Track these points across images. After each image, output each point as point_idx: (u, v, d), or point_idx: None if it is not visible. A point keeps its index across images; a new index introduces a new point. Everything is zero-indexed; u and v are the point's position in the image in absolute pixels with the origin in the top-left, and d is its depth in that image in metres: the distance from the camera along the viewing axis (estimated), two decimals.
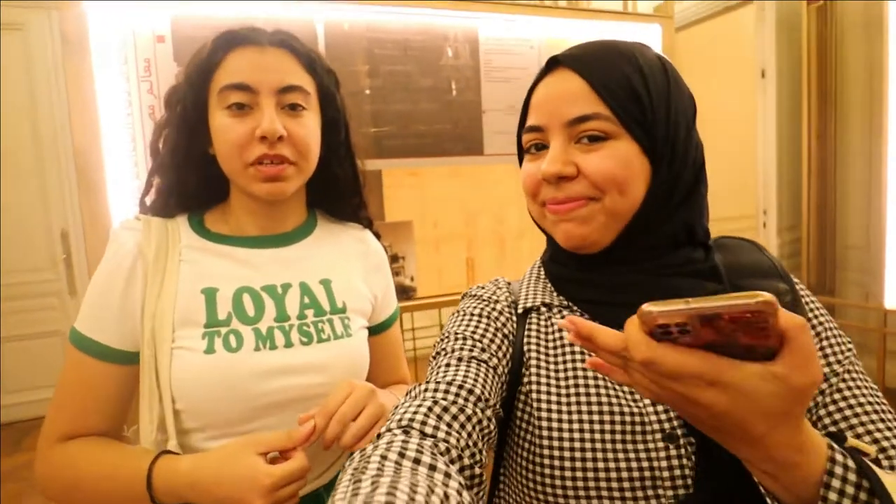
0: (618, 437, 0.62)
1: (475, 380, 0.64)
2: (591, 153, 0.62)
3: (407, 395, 0.64)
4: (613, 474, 0.60)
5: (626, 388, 0.65)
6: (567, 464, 0.62)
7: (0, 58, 3.29)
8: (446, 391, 0.61)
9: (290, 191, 0.88)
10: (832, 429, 0.60)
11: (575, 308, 0.72)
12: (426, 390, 0.62)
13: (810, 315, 0.68)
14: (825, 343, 0.66)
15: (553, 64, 0.67)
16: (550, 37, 2.14)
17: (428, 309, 2.09)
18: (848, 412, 0.61)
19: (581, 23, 2.17)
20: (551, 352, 0.71)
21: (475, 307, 0.75)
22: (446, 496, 0.46)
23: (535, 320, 0.74)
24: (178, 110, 0.88)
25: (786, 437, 0.42)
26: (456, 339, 0.71)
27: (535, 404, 0.67)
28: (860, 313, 3.23)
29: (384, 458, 0.50)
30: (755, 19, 3.44)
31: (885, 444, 0.58)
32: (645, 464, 0.60)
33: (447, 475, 0.49)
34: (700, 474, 0.59)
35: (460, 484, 0.49)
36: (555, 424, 0.64)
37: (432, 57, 1.98)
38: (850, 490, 0.43)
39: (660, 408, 0.63)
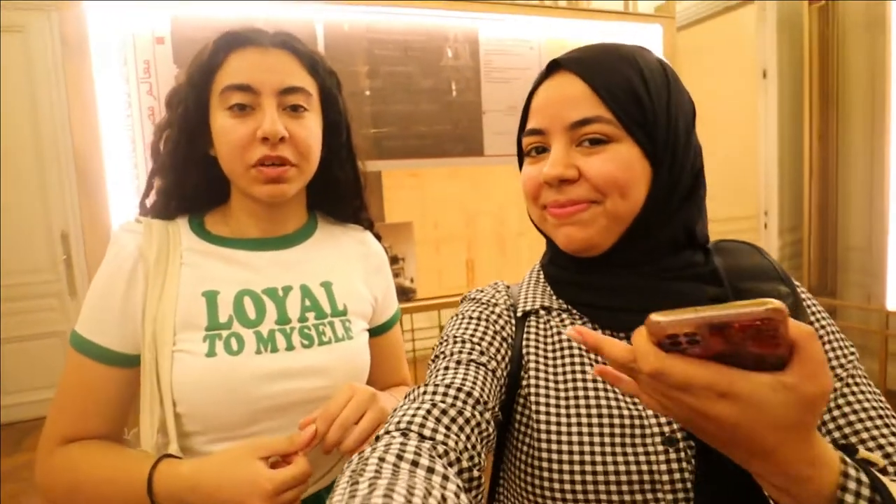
0: (617, 440, 0.62)
1: (474, 383, 0.63)
2: (592, 156, 0.62)
3: (406, 397, 0.64)
4: (612, 478, 0.60)
5: None
6: (566, 467, 0.62)
7: (0, 59, 3.29)
8: (445, 394, 0.61)
9: (291, 192, 0.88)
10: (836, 434, 0.60)
11: (574, 311, 0.72)
12: (425, 393, 0.62)
13: (812, 318, 0.68)
14: (828, 348, 0.66)
15: (554, 67, 0.67)
16: (551, 37, 2.13)
17: (428, 310, 2.09)
18: (853, 417, 0.60)
19: (582, 23, 2.17)
20: (550, 355, 0.71)
21: (474, 310, 0.75)
22: (444, 498, 0.46)
23: (534, 323, 0.74)
24: (179, 111, 0.87)
25: (798, 450, 0.42)
26: (455, 342, 0.70)
27: (533, 407, 0.67)
28: (862, 315, 3.22)
29: (382, 460, 0.49)
30: (756, 19, 3.44)
31: (889, 450, 0.57)
32: (644, 467, 0.60)
33: (445, 477, 0.49)
34: (700, 478, 0.59)
35: (458, 486, 0.49)
36: (553, 427, 0.64)
37: (432, 58, 1.97)
38: None
39: None
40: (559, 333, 0.71)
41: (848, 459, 0.45)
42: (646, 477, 0.60)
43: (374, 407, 0.80)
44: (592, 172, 0.62)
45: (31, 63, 3.37)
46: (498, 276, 2.11)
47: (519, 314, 0.75)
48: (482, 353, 0.69)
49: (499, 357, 0.70)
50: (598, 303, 0.68)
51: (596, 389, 0.65)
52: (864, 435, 0.59)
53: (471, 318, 0.74)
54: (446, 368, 0.66)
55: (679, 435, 0.61)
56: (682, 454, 0.60)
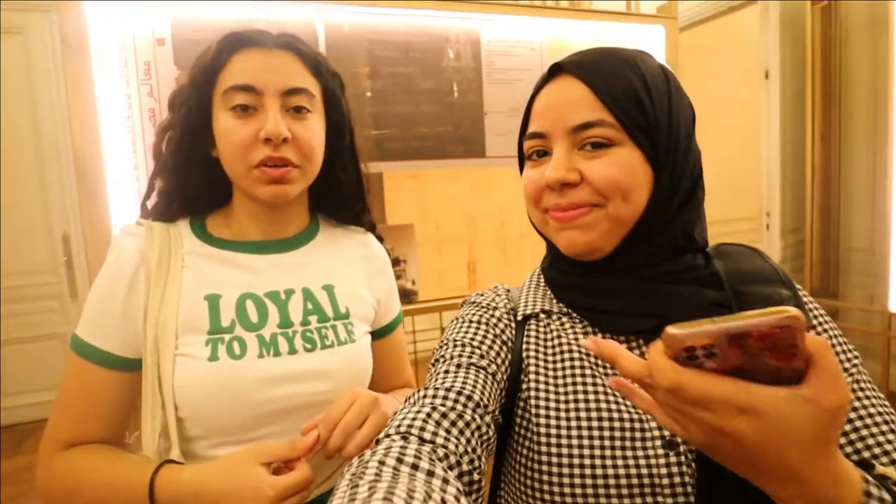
0: (617, 443, 0.62)
1: (474, 386, 0.64)
2: (594, 160, 0.63)
3: (406, 401, 0.64)
4: (612, 481, 0.60)
5: None
6: (565, 470, 0.62)
7: (0, 61, 3.29)
8: (445, 397, 0.61)
9: (294, 194, 0.88)
10: (842, 440, 0.59)
11: (575, 315, 0.72)
12: (425, 396, 0.62)
13: (814, 322, 0.68)
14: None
15: (556, 70, 0.67)
16: (553, 38, 2.12)
17: (429, 312, 2.08)
18: (859, 423, 0.60)
19: (584, 24, 2.16)
20: (550, 358, 0.70)
21: (474, 314, 0.76)
22: (444, 502, 0.46)
23: (534, 327, 0.74)
24: (181, 112, 0.87)
25: (821, 468, 0.41)
26: (455, 345, 0.71)
27: (533, 410, 0.67)
28: (864, 316, 3.22)
29: (382, 463, 0.50)
30: (759, 19, 3.43)
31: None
32: (644, 470, 0.60)
33: (445, 481, 0.49)
34: (700, 482, 0.59)
35: (458, 490, 0.49)
36: (553, 431, 0.64)
37: (434, 59, 1.96)
38: None
39: None
40: (559, 337, 0.71)
41: (870, 478, 0.44)
42: (646, 480, 0.59)
43: (377, 412, 0.79)
44: (595, 176, 0.62)
45: (31, 64, 3.36)
46: (499, 277, 2.11)
47: (519, 318, 0.75)
48: (482, 356, 0.69)
49: (499, 361, 0.70)
50: (599, 306, 0.68)
51: (596, 393, 0.65)
52: (871, 441, 0.59)
53: (471, 321, 0.74)
54: (446, 372, 0.66)
55: (679, 438, 0.60)
56: (683, 458, 0.60)
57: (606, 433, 0.62)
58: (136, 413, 0.84)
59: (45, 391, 3.49)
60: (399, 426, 0.57)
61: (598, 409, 0.64)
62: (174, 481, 0.74)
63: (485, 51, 2.03)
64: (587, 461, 0.61)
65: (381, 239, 1.07)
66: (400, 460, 0.50)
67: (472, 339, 0.71)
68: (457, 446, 0.56)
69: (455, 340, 0.71)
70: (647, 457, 0.60)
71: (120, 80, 1.57)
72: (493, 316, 0.75)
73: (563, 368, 0.69)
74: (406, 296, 2.01)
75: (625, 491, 0.59)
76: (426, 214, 2.03)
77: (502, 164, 2.08)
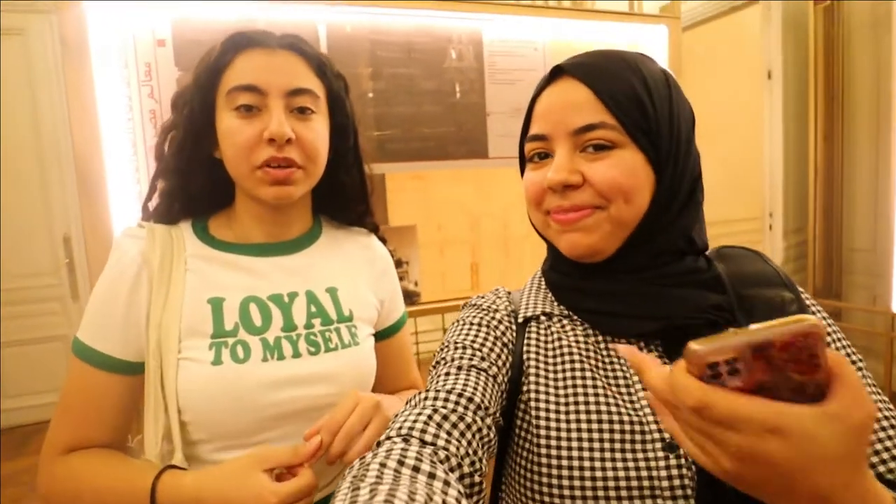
0: (616, 445, 0.61)
1: (475, 388, 0.64)
2: (596, 162, 0.63)
3: (407, 403, 0.64)
4: (611, 483, 0.60)
5: (626, 397, 0.65)
6: (565, 472, 0.62)
7: (0, 62, 3.29)
8: (446, 399, 0.61)
9: (298, 195, 0.87)
10: None
11: (575, 318, 0.72)
12: (426, 399, 0.62)
13: None
14: None
15: (557, 73, 0.68)
16: (555, 38, 2.11)
17: (432, 314, 2.07)
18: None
19: (586, 24, 2.15)
20: (550, 360, 0.70)
21: (475, 316, 0.76)
22: None
23: (534, 329, 0.74)
24: (184, 112, 0.87)
25: (852, 489, 0.39)
26: (456, 348, 0.71)
27: (533, 412, 0.67)
28: (867, 317, 3.21)
29: (383, 465, 0.50)
30: (761, 19, 3.42)
31: None
32: (644, 473, 0.59)
33: (446, 483, 0.49)
34: (700, 484, 0.58)
35: (459, 492, 0.49)
36: (553, 433, 0.64)
37: (436, 59, 1.96)
38: None
39: None
40: (560, 339, 0.71)
41: None
42: (645, 483, 0.59)
43: (379, 415, 0.79)
44: (597, 178, 0.62)
45: (31, 66, 3.36)
46: (502, 279, 2.10)
47: (520, 320, 0.75)
48: (483, 358, 0.69)
49: (500, 363, 0.70)
50: (600, 309, 0.68)
51: (596, 395, 0.65)
52: (879, 446, 0.59)
53: (471, 323, 0.74)
54: (447, 374, 0.66)
55: None
56: (683, 460, 0.59)
57: (606, 435, 0.62)
58: (138, 416, 0.84)
59: (46, 393, 3.49)
60: (400, 428, 0.57)
61: (598, 412, 0.64)
62: (176, 487, 0.74)
63: (487, 51, 2.02)
64: (586, 463, 0.61)
65: (384, 240, 1.07)
66: (401, 462, 0.50)
67: (473, 342, 0.71)
68: (458, 448, 0.56)
69: (456, 343, 0.72)
70: (646, 459, 0.60)
71: (120, 82, 1.56)
72: (493, 318, 0.75)
73: (564, 371, 0.68)
74: (408, 297, 2.00)
75: (624, 493, 0.59)
76: (429, 216, 2.02)
77: (505, 164, 2.07)
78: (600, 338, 0.69)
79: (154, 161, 0.93)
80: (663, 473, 0.59)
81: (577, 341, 0.70)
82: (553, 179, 0.63)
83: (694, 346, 0.39)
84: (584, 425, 0.63)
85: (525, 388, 0.70)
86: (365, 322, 0.96)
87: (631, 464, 0.60)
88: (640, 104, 0.63)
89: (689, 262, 0.66)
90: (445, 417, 0.58)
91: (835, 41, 3.20)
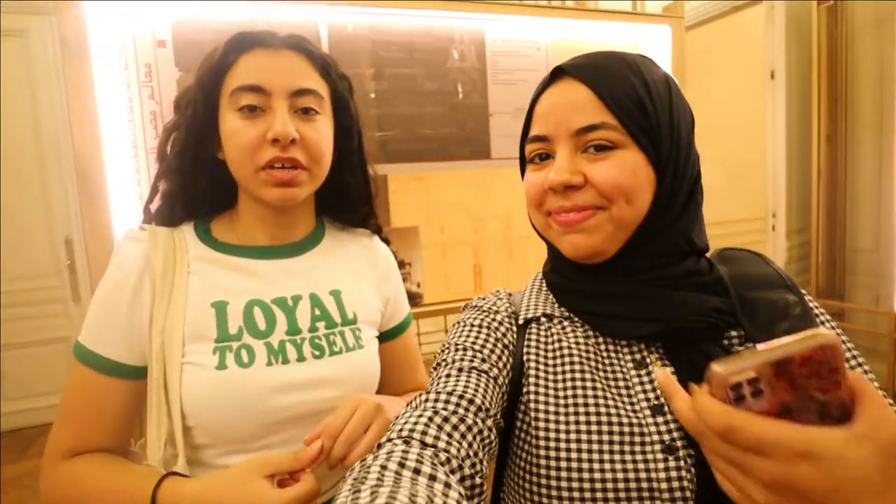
0: (616, 447, 0.61)
1: (476, 390, 0.64)
2: (598, 162, 0.63)
3: (408, 405, 0.64)
4: (610, 485, 0.59)
5: (626, 399, 0.64)
6: (563, 474, 0.62)
7: (0, 64, 3.28)
8: (447, 401, 0.61)
9: (302, 197, 0.87)
10: None
11: (576, 319, 0.72)
12: (427, 401, 0.62)
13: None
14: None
15: (558, 74, 0.68)
16: (558, 38, 2.11)
17: (435, 316, 2.06)
18: None
19: (589, 24, 2.14)
20: (550, 362, 0.70)
21: (475, 318, 0.75)
22: None
23: (535, 331, 0.74)
24: (187, 113, 0.86)
25: None
26: (457, 349, 0.71)
27: (533, 414, 0.67)
28: (870, 318, 3.20)
29: (384, 468, 0.50)
30: (764, 19, 3.42)
31: None
32: (643, 475, 0.59)
33: (447, 485, 0.49)
34: (699, 487, 0.58)
35: (460, 494, 0.50)
36: (552, 435, 0.64)
37: (438, 59, 1.95)
38: None
39: (659, 419, 0.62)
40: (560, 341, 0.71)
41: None
42: (644, 485, 0.59)
43: (380, 418, 0.79)
44: (598, 178, 0.62)
45: (31, 67, 3.36)
46: (505, 280, 2.09)
47: (521, 321, 0.75)
48: (483, 360, 0.69)
49: (500, 364, 0.70)
50: (601, 311, 0.68)
51: (595, 397, 0.65)
52: None
53: (472, 325, 0.74)
54: (448, 376, 0.66)
55: (679, 443, 0.60)
56: (682, 462, 0.59)
57: (605, 437, 0.62)
58: (141, 420, 0.84)
59: (48, 395, 3.48)
60: (401, 430, 0.57)
61: (598, 414, 0.64)
62: (176, 495, 0.73)
63: (489, 51, 2.01)
64: (585, 465, 0.61)
65: (387, 242, 1.07)
66: (402, 465, 0.50)
67: (474, 343, 0.71)
68: (458, 450, 0.56)
69: (457, 344, 0.72)
70: (645, 461, 0.60)
71: (120, 83, 1.56)
72: (494, 320, 0.75)
73: (564, 372, 0.68)
74: (411, 299, 1.97)
75: (622, 495, 0.59)
76: (431, 217, 2.01)
77: (508, 165, 2.06)
78: (601, 339, 0.69)
79: (156, 162, 0.92)
80: (662, 475, 0.59)
81: (578, 343, 0.70)
82: (554, 180, 0.63)
83: (716, 367, 0.39)
84: (583, 427, 0.63)
85: (525, 390, 0.69)
86: (369, 325, 0.96)
87: (630, 466, 0.60)
88: (641, 105, 0.63)
89: (690, 264, 0.66)
90: (446, 419, 0.58)
91: (838, 41, 3.19)
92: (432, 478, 0.50)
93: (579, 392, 0.66)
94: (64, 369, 3.45)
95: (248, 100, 0.81)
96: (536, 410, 0.67)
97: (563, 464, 0.62)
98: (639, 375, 0.65)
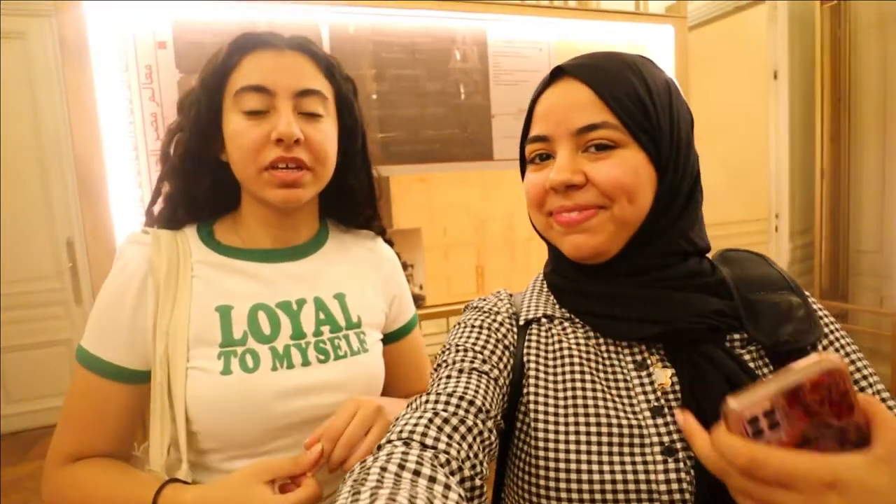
0: (615, 449, 0.61)
1: (476, 391, 0.64)
2: (599, 161, 0.63)
3: (408, 406, 0.64)
4: (609, 486, 0.59)
5: (626, 400, 0.64)
6: (562, 475, 0.61)
7: (0, 66, 3.29)
8: (447, 402, 0.61)
9: (306, 198, 0.86)
10: None
11: (577, 320, 0.72)
12: (427, 402, 0.62)
13: (826, 331, 0.67)
14: (853, 368, 0.65)
15: (558, 74, 0.68)
16: (560, 39, 2.10)
17: (437, 318, 2.06)
18: None
19: (592, 24, 2.14)
20: (551, 363, 0.70)
21: (476, 319, 0.75)
22: None
23: (535, 332, 0.74)
24: (191, 114, 0.86)
25: None
26: (457, 350, 0.71)
27: (532, 415, 0.67)
28: (874, 319, 3.19)
29: (384, 469, 0.50)
30: (767, 19, 3.41)
31: None
32: (642, 476, 0.59)
33: (447, 487, 0.50)
34: (698, 489, 0.58)
35: (460, 496, 0.50)
36: (551, 436, 0.64)
37: (440, 60, 1.94)
38: None
39: (659, 420, 0.62)
40: (560, 342, 0.71)
41: None
42: (643, 487, 0.59)
43: (380, 421, 0.78)
44: (600, 178, 0.62)
45: (31, 69, 3.36)
46: (508, 282, 2.08)
47: (521, 322, 0.75)
48: (484, 361, 0.69)
49: (501, 365, 0.70)
50: (601, 312, 0.68)
51: (595, 398, 0.65)
52: None
53: (473, 326, 0.74)
54: (448, 377, 0.66)
55: (679, 445, 0.60)
56: (682, 464, 0.59)
57: (605, 439, 0.62)
58: (144, 424, 0.84)
59: (50, 397, 3.49)
60: (401, 432, 0.57)
61: (598, 415, 0.63)
62: (177, 502, 0.73)
63: (492, 52, 2.00)
64: (584, 466, 0.61)
65: (391, 243, 1.06)
66: (402, 466, 0.50)
67: (475, 344, 0.71)
68: (458, 452, 0.56)
69: (457, 345, 0.71)
70: (645, 463, 0.59)
71: (121, 84, 1.55)
72: (494, 321, 0.75)
73: (564, 373, 0.68)
74: (413, 301, 1.97)
75: (621, 497, 0.59)
76: (433, 218, 2.01)
77: (510, 166, 2.05)
78: (601, 340, 0.69)
79: (157, 164, 0.92)
80: (661, 478, 0.58)
81: (578, 344, 0.70)
82: (555, 180, 0.63)
83: (731, 402, 0.40)
84: (582, 428, 0.63)
85: (525, 391, 0.69)
86: (373, 328, 0.95)
87: (629, 468, 0.60)
88: (642, 104, 0.63)
89: (692, 265, 0.66)
90: (446, 421, 0.58)
91: (841, 41, 3.18)
92: (432, 479, 0.49)
93: (579, 393, 0.66)
94: (65, 371, 3.47)
95: (253, 101, 0.81)
96: (536, 412, 0.67)
97: (562, 465, 0.62)
98: (639, 377, 0.65)
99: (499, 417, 0.65)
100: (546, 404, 0.67)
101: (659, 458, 0.59)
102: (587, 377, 0.67)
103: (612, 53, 0.67)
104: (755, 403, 0.39)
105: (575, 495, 0.60)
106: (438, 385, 0.65)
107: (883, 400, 0.62)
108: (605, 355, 0.68)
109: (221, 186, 0.89)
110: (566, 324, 0.72)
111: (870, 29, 3.10)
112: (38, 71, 3.36)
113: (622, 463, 0.60)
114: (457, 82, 1.97)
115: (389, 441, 0.56)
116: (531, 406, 0.67)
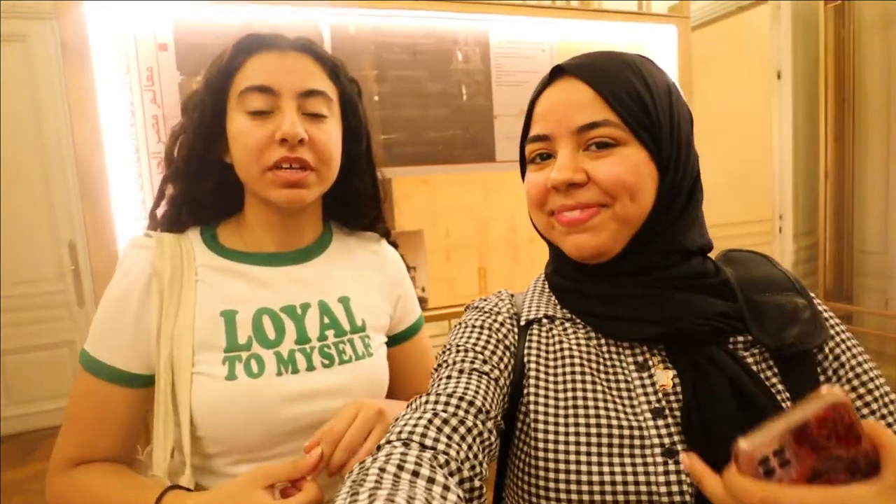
0: (615, 450, 0.61)
1: (476, 392, 0.63)
2: (600, 160, 0.63)
3: (408, 407, 0.64)
4: (608, 487, 0.59)
5: (626, 401, 0.64)
6: (562, 476, 0.61)
7: (1, 68, 3.29)
8: (447, 403, 0.61)
9: (310, 199, 0.86)
10: None
11: (578, 321, 0.71)
12: (427, 402, 0.62)
13: (832, 332, 0.66)
14: (859, 371, 0.64)
15: (557, 73, 0.68)
16: (563, 39, 2.09)
17: (440, 320, 2.05)
18: None
19: (594, 24, 2.13)
20: (551, 364, 0.70)
21: (477, 319, 0.75)
22: None
23: (536, 332, 0.73)
24: (195, 115, 0.85)
25: None
26: (458, 351, 0.70)
27: (533, 416, 0.67)
28: (878, 320, 3.18)
29: (383, 470, 0.50)
30: (770, 19, 3.40)
31: None
32: (642, 478, 0.59)
33: (446, 487, 0.50)
34: (698, 491, 0.57)
35: (459, 497, 0.50)
36: (551, 437, 0.64)
37: (442, 61, 1.93)
38: None
39: (660, 422, 0.62)
40: (561, 343, 0.71)
41: None
42: (643, 488, 0.58)
43: (381, 423, 0.78)
44: (601, 176, 0.62)
45: (33, 71, 3.36)
46: (510, 283, 2.07)
47: (522, 323, 0.75)
48: (484, 361, 0.69)
49: (501, 366, 0.70)
50: (603, 312, 0.68)
51: (595, 399, 0.65)
52: None
53: (473, 326, 0.74)
54: (448, 377, 0.66)
55: (680, 447, 0.60)
56: (682, 466, 0.58)
57: (605, 440, 0.62)
58: (147, 428, 0.84)
59: (52, 399, 3.49)
60: (400, 433, 0.57)
61: (598, 416, 0.63)
62: None
63: (494, 53, 1.99)
64: (584, 468, 0.61)
65: (395, 245, 1.06)
66: (401, 467, 0.50)
67: (475, 345, 0.71)
68: (458, 453, 0.56)
69: (458, 346, 0.71)
70: (645, 464, 0.59)
71: (122, 87, 1.55)
72: (495, 321, 0.75)
73: (564, 374, 0.68)
74: None
75: (621, 498, 0.58)
76: (436, 220, 2.00)
77: (513, 168, 2.04)
78: (602, 341, 0.69)
79: (159, 166, 0.91)
80: (661, 479, 0.58)
81: (579, 345, 0.69)
82: (557, 179, 0.63)
83: (742, 444, 0.40)
84: (582, 429, 0.63)
85: (526, 392, 0.69)
86: (378, 331, 0.95)
87: (629, 469, 0.59)
88: (642, 102, 0.63)
89: (695, 265, 0.66)
90: (446, 421, 0.58)
91: (845, 41, 3.18)
92: (431, 480, 0.49)
93: (579, 394, 0.66)
94: (68, 373, 3.47)
95: (257, 100, 0.81)
96: (536, 412, 0.66)
97: (562, 466, 0.61)
98: (640, 378, 0.65)
99: (499, 418, 0.65)
100: (546, 405, 0.66)
101: (659, 459, 0.59)
102: (588, 378, 0.66)
103: (612, 53, 0.67)
104: (765, 444, 0.40)
105: (575, 496, 0.60)
106: (438, 385, 0.65)
107: (891, 402, 0.62)
108: (606, 356, 0.68)
109: (225, 189, 0.89)
110: (567, 324, 0.72)
111: (874, 29, 3.09)
112: (39, 73, 3.37)
113: (622, 464, 0.60)
114: (459, 83, 1.96)
115: (389, 441, 0.56)
116: (531, 407, 0.67)
